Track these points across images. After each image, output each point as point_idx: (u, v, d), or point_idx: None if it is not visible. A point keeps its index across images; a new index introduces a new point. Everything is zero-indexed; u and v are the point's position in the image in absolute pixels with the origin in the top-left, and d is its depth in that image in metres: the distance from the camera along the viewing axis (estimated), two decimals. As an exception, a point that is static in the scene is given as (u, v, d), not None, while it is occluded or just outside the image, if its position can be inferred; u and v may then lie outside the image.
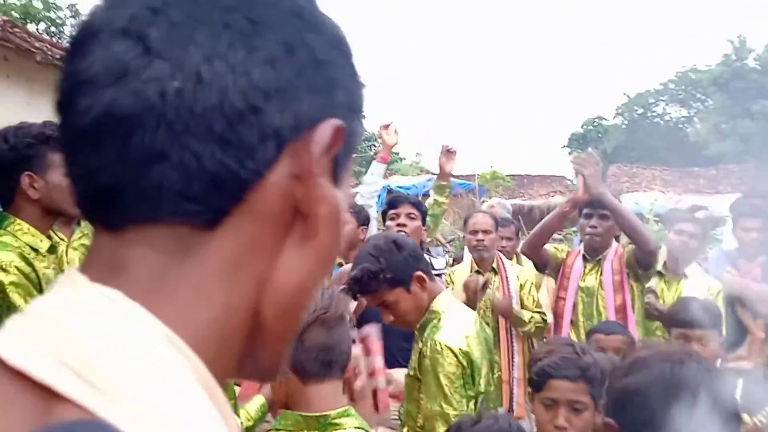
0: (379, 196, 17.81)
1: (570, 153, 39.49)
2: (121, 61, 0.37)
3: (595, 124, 37.34)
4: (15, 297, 1.72)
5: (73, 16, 16.35)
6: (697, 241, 3.43)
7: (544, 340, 3.27)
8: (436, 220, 3.58)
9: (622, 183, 16.57)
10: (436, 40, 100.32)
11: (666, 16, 72.47)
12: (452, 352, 1.86)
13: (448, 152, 3.59)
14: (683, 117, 34.29)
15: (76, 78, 0.38)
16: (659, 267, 3.37)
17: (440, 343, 1.87)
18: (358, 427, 1.36)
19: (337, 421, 1.34)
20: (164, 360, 0.35)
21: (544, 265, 3.31)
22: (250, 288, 0.40)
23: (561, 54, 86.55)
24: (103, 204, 0.38)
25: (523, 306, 3.39)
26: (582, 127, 38.53)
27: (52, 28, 15.30)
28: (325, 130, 0.40)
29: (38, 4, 15.29)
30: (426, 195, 16.58)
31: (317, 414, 1.34)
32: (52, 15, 15.51)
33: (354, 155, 0.46)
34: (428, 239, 3.62)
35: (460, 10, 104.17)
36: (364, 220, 3.33)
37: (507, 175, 17.28)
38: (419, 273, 1.92)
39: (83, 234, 2.48)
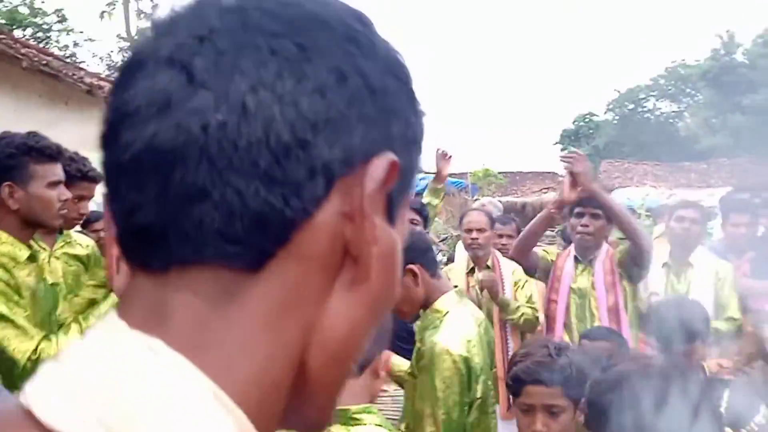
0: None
1: (562, 150, 39.77)
2: (164, 92, 0.35)
3: (586, 120, 37.51)
4: None
5: (59, 21, 16.28)
6: (699, 226, 3.37)
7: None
8: (429, 222, 3.65)
9: (613, 179, 16.62)
10: (425, 36, 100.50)
11: (654, 12, 72.84)
12: (451, 356, 1.83)
13: (444, 156, 3.65)
14: (673, 112, 34.47)
15: (119, 110, 0.36)
16: (666, 259, 3.34)
17: (439, 345, 1.85)
18: (378, 425, 1.38)
19: (357, 416, 1.36)
20: (211, 419, 0.33)
21: (533, 268, 3.28)
22: (295, 337, 0.37)
23: (550, 50, 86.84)
24: (142, 244, 0.36)
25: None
26: (573, 123, 38.72)
27: (39, 34, 15.21)
28: (379, 165, 0.37)
29: (24, 10, 15.22)
30: (419, 194, 16.62)
31: (337, 408, 1.35)
32: (39, 20, 15.43)
33: (411, 191, 0.43)
34: None
35: (451, 7, 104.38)
36: None
37: (499, 173, 17.33)
38: (411, 266, 1.90)
39: (65, 242, 2.50)
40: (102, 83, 10.01)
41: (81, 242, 2.38)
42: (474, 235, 3.39)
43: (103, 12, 18.83)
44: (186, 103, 0.34)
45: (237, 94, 0.34)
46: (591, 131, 35.27)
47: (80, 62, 14.05)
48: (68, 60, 10.26)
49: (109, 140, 0.37)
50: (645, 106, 35.36)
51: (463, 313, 2.00)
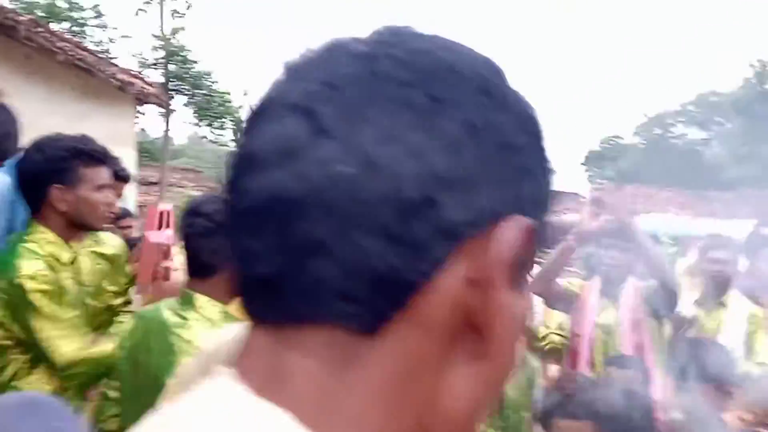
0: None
1: (587, 170, 39.51)
2: (289, 139, 0.34)
3: (612, 142, 37.21)
4: (43, 304, 1.75)
5: (96, 17, 16.60)
6: (732, 267, 3.31)
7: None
8: None
9: (638, 203, 16.46)
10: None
11: (687, 39, 72.23)
12: None
13: None
14: (702, 139, 34.06)
15: (245, 156, 0.36)
16: (696, 297, 3.26)
17: None
18: None
19: None
20: None
21: (554, 300, 3.21)
22: (411, 410, 0.35)
23: (580, 71, 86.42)
24: (260, 295, 0.35)
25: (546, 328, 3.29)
26: (599, 145, 38.43)
27: (75, 28, 15.52)
28: (510, 229, 0.34)
29: (62, 4, 15.55)
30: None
31: None
32: (75, 15, 15.77)
33: (537, 256, 0.40)
34: None
35: (484, 22, 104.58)
36: None
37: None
38: None
39: (94, 240, 2.50)
40: (133, 80, 10.18)
41: (110, 241, 2.41)
42: None
43: (139, 10, 19.27)
44: (311, 152, 0.33)
45: (364, 146, 0.33)
46: (617, 154, 35.01)
47: (113, 58, 14.27)
48: (102, 56, 10.43)
49: (232, 185, 0.36)
50: (673, 132, 35.00)
51: None
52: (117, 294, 2.08)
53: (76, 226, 1.92)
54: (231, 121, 19.77)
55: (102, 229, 2.21)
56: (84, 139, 1.91)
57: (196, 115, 18.87)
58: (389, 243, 0.32)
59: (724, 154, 28.74)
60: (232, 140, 22.56)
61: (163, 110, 16.36)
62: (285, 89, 0.36)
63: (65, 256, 1.89)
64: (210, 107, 18.53)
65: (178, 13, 19.27)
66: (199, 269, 1.61)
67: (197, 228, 1.57)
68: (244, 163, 0.35)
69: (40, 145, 1.86)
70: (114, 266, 2.39)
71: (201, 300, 1.58)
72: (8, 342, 1.79)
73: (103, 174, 1.91)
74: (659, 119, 34.87)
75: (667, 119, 34.79)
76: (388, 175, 0.32)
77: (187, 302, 1.59)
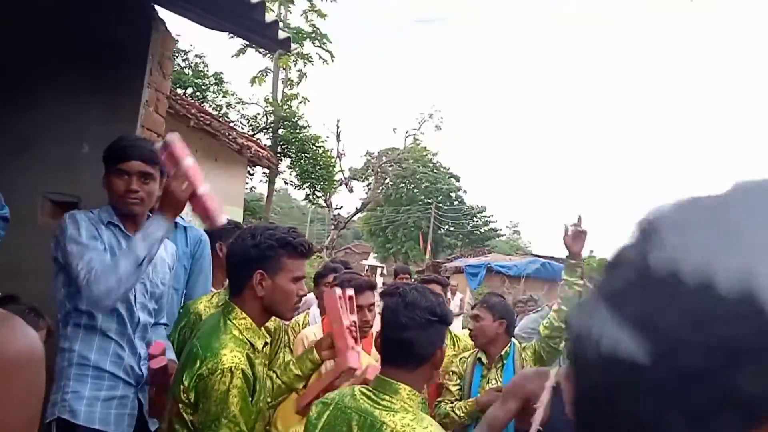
0: (477, 274, 17.46)
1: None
2: (593, 329, 0.38)
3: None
4: (234, 402, 1.77)
5: (216, 84, 17.93)
6: None
7: None
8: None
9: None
10: (545, 116, 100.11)
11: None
12: None
13: (577, 233, 3.30)
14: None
15: (573, 332, 0.41)
16: None
17: None
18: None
19: None
20: None
21: None
22: None
23: (667, 134, 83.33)
24: None
25: None
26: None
27: (197, 93, 16.84)
28: None
29: (188, 71, 17.02)
30: (528, 276, 16.26)
31: None
32: (199, 82, 17.07)
33: None
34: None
35: (566, 87, 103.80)
36: None
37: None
38: None
39: (215, 294, 2.72)
40: (249, 143, 11.06)
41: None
42: None
43: (254, 77, 20.78)
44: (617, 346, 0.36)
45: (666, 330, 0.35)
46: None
47: (231, 122, 15.41)
48: (222, 120, 11.42)
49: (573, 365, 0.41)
50: None
51: None
52: (299, 377, 2.11)
53: (268, 313, 1.99)
54: (331, 184, 20.46)
55: (290, 319, 2.32)
56: (293, 232, 2.01)
57: (298, 177, 19.87)
58: (691, 421, 0.34)
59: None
60: (325, 201, 23.49)
61: (268, 171, 17.35)
62: (602, 283, 0.42)
63: (259, 343, 1.95)
64: (313, 171, 19.40)
65: (291, 81, 20.69)
66: (411, 359, 1.66)
67: (418, 320, 1.65)
68: (576, 337, 0.41)
69: (253, 232, 1.98)
70: (275, 337, 2.50)
71: (405, 390, 1.63)
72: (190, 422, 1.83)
73: (303, 267, 1.99)
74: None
75: None
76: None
77: (389, 390, 1.64)
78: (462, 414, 3.05)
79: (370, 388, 1.68)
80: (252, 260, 1.91)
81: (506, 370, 3.19)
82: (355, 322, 2.11)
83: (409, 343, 1.64)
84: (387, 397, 1.62)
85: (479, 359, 3.26)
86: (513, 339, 3.30)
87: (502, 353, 3.21)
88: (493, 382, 3.16)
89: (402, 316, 1.65)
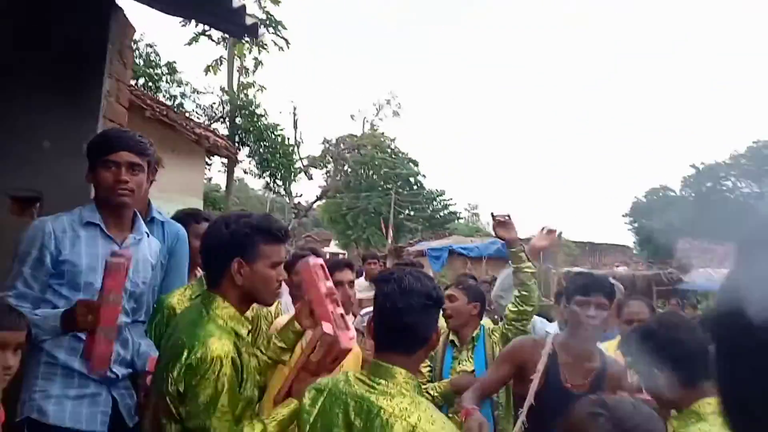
0: (439, 257, 17.69)
1: (632, 222, 38.88)
2: None
3: (660, 194, 36.71)
4: (226, 388, 1.77)
5: (169, 73, 17.53)
6: None
7: None
8: (528, 288, 3.09)
9: (692, 258, 16.22)
10: (498, 98, 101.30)
11: (737, 88, 71.10)
12: None
13: (501, 222, 3.21)
14: (755, 192, 33.34)
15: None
16: None
17: None
18: None
19: None
20: None
21: None
22: None
23: (626, 121, 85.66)
24: None
25: None
26: (645, 196, 37.91)
27: (150, 84, 16.44)
28: None
29: (139, 61, 16.59)
30: (490, 257, 16.48)
31: None
32: (151, 72, 16.66)
33: None
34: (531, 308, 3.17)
35: (530, 70, 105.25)
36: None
37: (572, 242, 17.18)
38: None
39: (188, 287, 2.68)
40: (207, 133, 10.88)
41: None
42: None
43: (209, 66, 20.38)
44: None
45: None
46: (664, 206, 34.52)
47: (186, 113, 15.14)
48: (178, 111, 11.21)
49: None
50: (725, 185, 34.40)
51: None
52: (285, 350, 2.11)
53: (248, 300, 1.98)
54: (291, 172, 20.34)
55: (272, 304, 2.21)
56: (268, 218, 2.00)
57: (258, 166, 19.64)
58: None
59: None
60: (286, 190, 23.34)
61: (227, 161, 17.12)
62: None
63: (244, 331, 1.93)
64: (272, 159, 19.24)
65: (246, 69, 20.38)
66: (409, 344, 1.67)
67: (416, 305, 1.66)
68: None
69: (227, 221, 1.94)
70: (254, 325, 2.44)
71: (401, 374, 1.63)
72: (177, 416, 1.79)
73: (281, 252, 1.97)
74: (710, 172, 34.34)
75: (719, 172, 34.22)
76: None
77: (385, 375, 1.64)
78: (435, 395, 3.10)
79: (365, 374, 1.69)
80: (229, 249, 1.90)
81: (477, 352, 3.24)
82: (331, 287, 2.10)
83: (408, 328, 1.65)
84: (383, 382, 1.63)
85: (451, 341, 3.30)
86: (482, 322, 3.35)
87: (474, 335, 3.26)
88: (465, 363, 3.22)
89: (399, 301, 1.65)
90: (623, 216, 38.90)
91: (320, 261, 2.16)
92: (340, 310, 2.07)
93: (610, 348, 3.03)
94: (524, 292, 3.06)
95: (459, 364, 3.22)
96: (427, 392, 3.13)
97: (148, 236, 2.49)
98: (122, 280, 2.07)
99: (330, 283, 2.10)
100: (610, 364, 2.60)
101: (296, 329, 2.10)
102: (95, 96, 3.27)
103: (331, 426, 1.63)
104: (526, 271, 3.07)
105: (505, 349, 2.81)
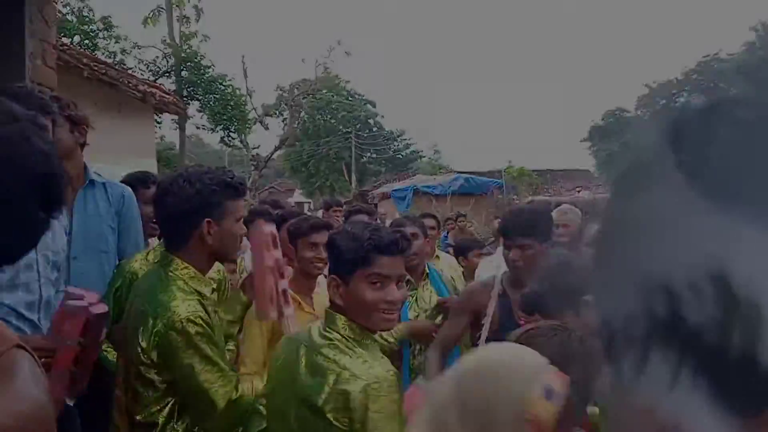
0: (404, 198, 17.76)
1: (591, 146, 39.41)
2: None
3: (616, 115, 37.14)
4: (203, 347, 1.73)
5: (105, 29, 16.65)
6: None
7: None
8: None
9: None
10: (451, 31, 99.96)
11: (685, 3, 71.40)
12: None
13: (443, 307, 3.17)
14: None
15: None
16: None
17: None
18: None
19: None
20: None
21: None
22: None
23: (579, 44, 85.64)
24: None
25: None
26: (602, 119, 38.31)
27: (86, 41, 15.61)
28: None
29: (72, 18, 15.69)
30: (454, 194, 16.61)
31: None
32: (86, 28, 15.80)
33: None
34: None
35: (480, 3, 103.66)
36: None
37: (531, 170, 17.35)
38: None
39: (150, 251, 2.55)
40: (152, 90, 10.42)
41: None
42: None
43: (147, 18, 19.39)
44: None
45: None
46: (621, 127, 35.02)
47: (129, 69, 14.46)
48: (119, 68, 10.66)
49: None
50: (678, 102, 34.95)
51: None
52: (233, 323, 2.06)
53: (214, 259, 1.93)
54: (245, 123, 19.80)
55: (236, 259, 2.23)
56: (228, 172, 1.92)
57: (210, 120, 19.04)
58: None
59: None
60: (242, 142, 22.81)
61: (177, 118, 16.55)
62: None
63: (207, 290, 1.87)
64: (224, 112, 18.69)
65: (187, 18, 19.45)
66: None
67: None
68: None
69: (189, 178, 1.83)
70: (220, 290, 2.39)
71: (342, 320, 1.62)
72: (163, 385, 1.76)
73: (242, 206, 1.93)
74: (663, 89, 34.79)
75: (672, 89, 34.70)
76: None
77: (331, 322, 1.63)
78: (392, 340, 3.09)
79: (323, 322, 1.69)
80: (197, 209, 1.82)
81: (433, 280, 3.25)
82: (279, 259, 2.06)
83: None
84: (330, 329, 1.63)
85: (407, 281, 3.28)
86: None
87: (425, 269, 3.27)
88: (428, 294, 3.20)
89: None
90: (582, 141, 39.40)
91: (271, 229, 2.09)
92: (284, 284, 2.01)
93: None
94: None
95: (416, 301, 3.19)
96: (383, 338, 3.10)
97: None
98: (80, 327, 1.69)
99: (278, 253, 2.05)
100: None
101: (242, 301, 2.06)
102: (19, 58, 3.02)
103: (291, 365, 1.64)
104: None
105: (457, 300, 2.81)
